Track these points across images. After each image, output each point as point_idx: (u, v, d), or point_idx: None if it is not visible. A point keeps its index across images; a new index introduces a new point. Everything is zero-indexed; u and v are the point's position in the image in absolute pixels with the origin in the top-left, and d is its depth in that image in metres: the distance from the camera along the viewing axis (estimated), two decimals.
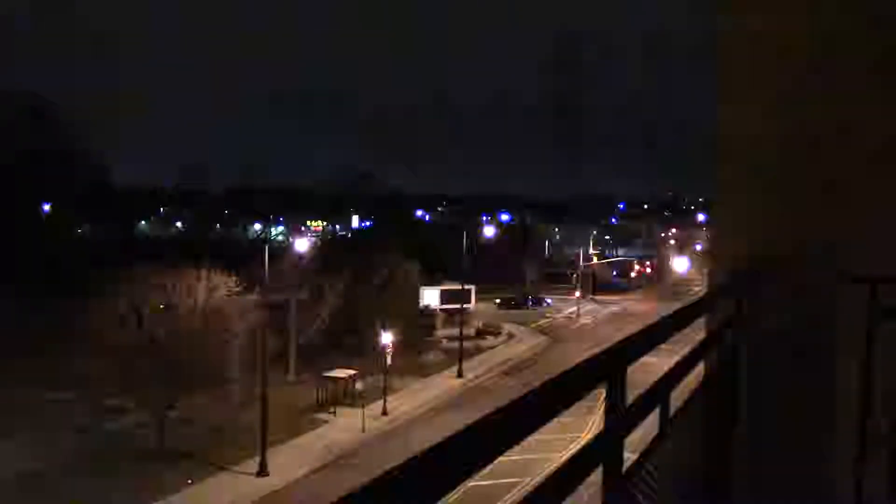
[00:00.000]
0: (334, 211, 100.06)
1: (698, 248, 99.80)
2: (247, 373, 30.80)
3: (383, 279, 44.94)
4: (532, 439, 1.45)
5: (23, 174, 45.49)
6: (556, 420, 1.38)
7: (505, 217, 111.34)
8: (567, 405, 1.44)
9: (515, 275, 72.39)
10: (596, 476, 1.62)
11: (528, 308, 66.10)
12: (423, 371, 41.41)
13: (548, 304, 68.14)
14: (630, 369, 1.76)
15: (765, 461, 3.83)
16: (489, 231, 77.40)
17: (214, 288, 32.25)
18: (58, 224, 53.76)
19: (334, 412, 33.31)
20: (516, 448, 1.23)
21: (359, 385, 34.47)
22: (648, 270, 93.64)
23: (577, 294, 66.09)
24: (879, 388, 3.50)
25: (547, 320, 61.12)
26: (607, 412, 1.68)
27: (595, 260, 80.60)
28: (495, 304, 65.68)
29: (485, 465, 1.12)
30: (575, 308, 64.65)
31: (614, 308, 68.94)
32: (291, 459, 27.88)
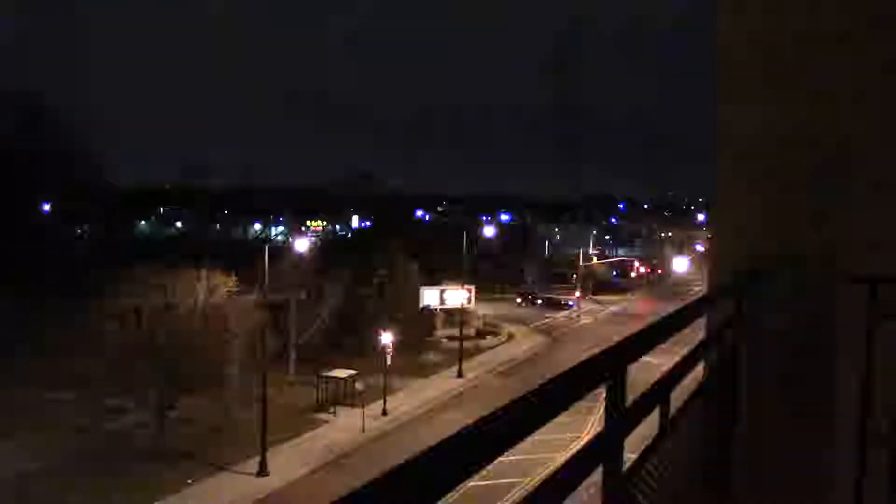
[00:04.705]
0: (334, 211, 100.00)
1: (698, 248, 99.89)
2: (247, 373, 30.80)
3: (383, 279, 44.94)
4: (532, 439, 1.45)
5: (22, 174, 45.45)
6: (556, 420, 1.37)
7: (505, 217, 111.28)
8: (567, 405, 1.44)
9: (515, 275, 72.28)
10: (596, 476, 1.62)
11: (570, 308, 65.65)
12: (423, 371, 41.41)
13: (570, 305, 67.11)
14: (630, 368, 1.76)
15: (765, 461, 3.82)
16: (489, 231, 77.26)
17: (214, 288, 32.25)
18: (58, 224, 53.74)
19: (334, 412, 33.32)
20: (516, 448, 1.23)
21: (359, 385, 34.48)
22: (648, 270, 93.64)
23: (577, 294, 66.04)
24: (879, 388, 3.50)
25: (547, 320, 61.09)
26: (607, 412, 1.68)
27: (595, 260, 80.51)
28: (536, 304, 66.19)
29: (485, 465, 1.12)
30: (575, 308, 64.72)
31: (614, 308, 68.92)
32: (291, 459, 27.87)
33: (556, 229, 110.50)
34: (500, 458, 1.18)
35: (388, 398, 33.90)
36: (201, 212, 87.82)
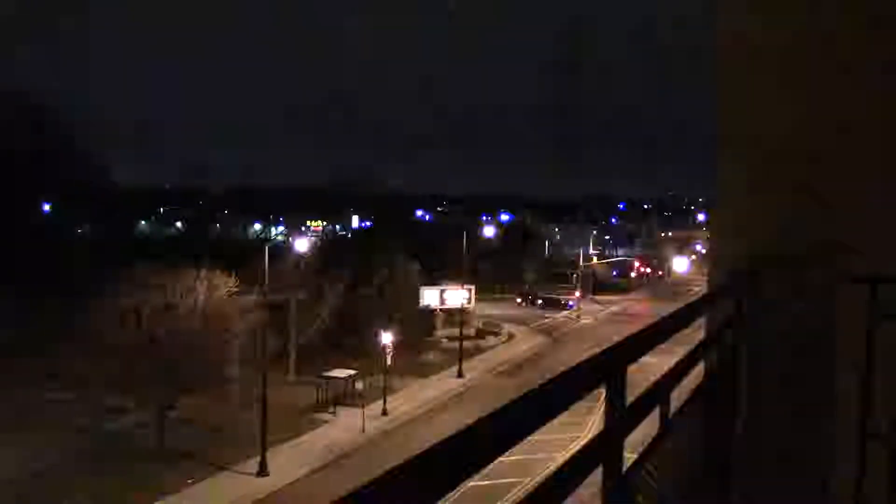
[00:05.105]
0: (334, 211, 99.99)
1: (698, 248, 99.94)
2: (247, 373, 30.80)
3: (383, 279, 44.94)
4: (532, 439, 1.45)
5: (22, 174, 45.43)
6: (556, 420, 1.37)
7: (505, 217, 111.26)
8: (567, 405, 1.44)
9: (516, 275, 72.22)
10: (596, 476, 1.61)
11: (570, 308, 65.20)
12: (423, 371, 41.42)
13: (570, 305, 66.63)
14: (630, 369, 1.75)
15: (765, 461, 3.82)
16: (489, 231, 77.22)
17: (214, 288, 32.24)
18: (58, 224, 53.70)
19: (334, 412, 33.32)
20: (516, 448, 1.23)
21: (359, 385, 34.50)
22: (648, 270, 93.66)
23: (577, 294, 66.00)
24: (879, 388, 3.50)
25: (547, 320, 61.05)
26: (607, 412, 1.68)
27: (595, 260, 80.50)
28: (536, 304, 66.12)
29: (485, 465, 1.12)
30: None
31: (614, 308, 68.91)
32: (291, 459, 27.87)
33: (556, 229, 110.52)
34: (500, 458, 1.18)
35: (388, 398, 33.90)
36: (201, 212, 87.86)
